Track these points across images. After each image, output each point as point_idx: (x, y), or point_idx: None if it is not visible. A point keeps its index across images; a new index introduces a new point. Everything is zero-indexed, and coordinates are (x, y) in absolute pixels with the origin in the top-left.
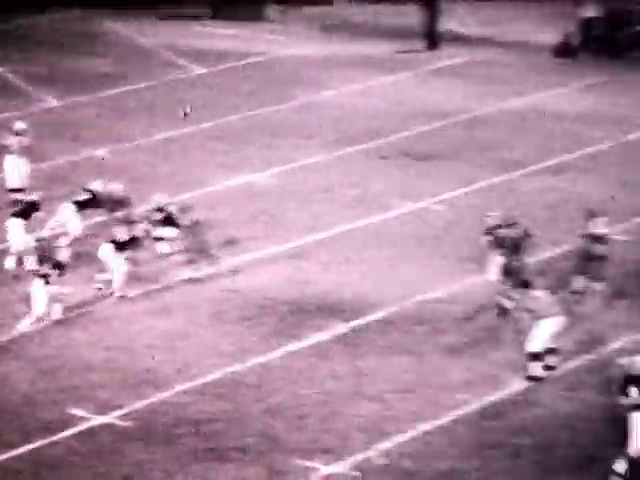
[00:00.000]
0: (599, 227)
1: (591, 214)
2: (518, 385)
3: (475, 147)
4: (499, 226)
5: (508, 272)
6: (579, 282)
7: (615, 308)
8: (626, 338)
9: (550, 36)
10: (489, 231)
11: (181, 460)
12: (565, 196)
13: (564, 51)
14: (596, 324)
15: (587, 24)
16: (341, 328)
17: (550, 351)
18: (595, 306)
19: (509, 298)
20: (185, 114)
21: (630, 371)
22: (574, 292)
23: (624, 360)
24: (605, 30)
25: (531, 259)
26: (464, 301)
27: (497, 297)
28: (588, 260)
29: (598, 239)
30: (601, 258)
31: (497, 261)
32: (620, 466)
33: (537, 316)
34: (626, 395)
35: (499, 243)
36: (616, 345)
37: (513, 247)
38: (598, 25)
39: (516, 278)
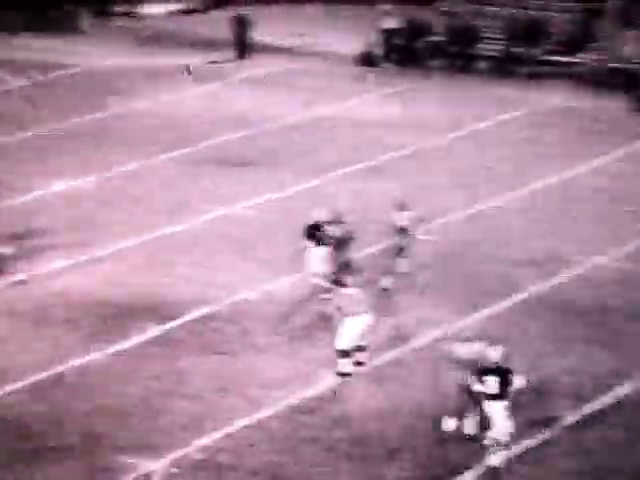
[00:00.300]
0: (404, 220)
1: (401, 206)
2: (330, 381)
3: (286, 153)
4: (327, 223)
5: (333, 268)
6: (388, 280)
7: (421, 305)
8: (437, 331)
9: (354, 46)
10: (315, 228)
11: (0, 460)
12: (372, 198)
13: (367, 61)
14: (403, 319)
15: (388, 35)
16: (160, 329)
17: (359, 348)
18: (402, 302)
19: (326, 295)
20: (189, 72)
21: (485, 362)
22: (384, 289)
23: (452, 346)
24: (405, 40)
25: (351, 257)
26: (278, 301)
27: (316, 295)
28: (395, 253)
29: (403, 231)
30: (404, 249)
31: (319, 258)
32: (495, 459)
33: (346, 314)
34: (482, 384)
35: (324, 240)
36: (423, 340)
37: (338, 244)
38: (398, 36)
39: (336, 275)
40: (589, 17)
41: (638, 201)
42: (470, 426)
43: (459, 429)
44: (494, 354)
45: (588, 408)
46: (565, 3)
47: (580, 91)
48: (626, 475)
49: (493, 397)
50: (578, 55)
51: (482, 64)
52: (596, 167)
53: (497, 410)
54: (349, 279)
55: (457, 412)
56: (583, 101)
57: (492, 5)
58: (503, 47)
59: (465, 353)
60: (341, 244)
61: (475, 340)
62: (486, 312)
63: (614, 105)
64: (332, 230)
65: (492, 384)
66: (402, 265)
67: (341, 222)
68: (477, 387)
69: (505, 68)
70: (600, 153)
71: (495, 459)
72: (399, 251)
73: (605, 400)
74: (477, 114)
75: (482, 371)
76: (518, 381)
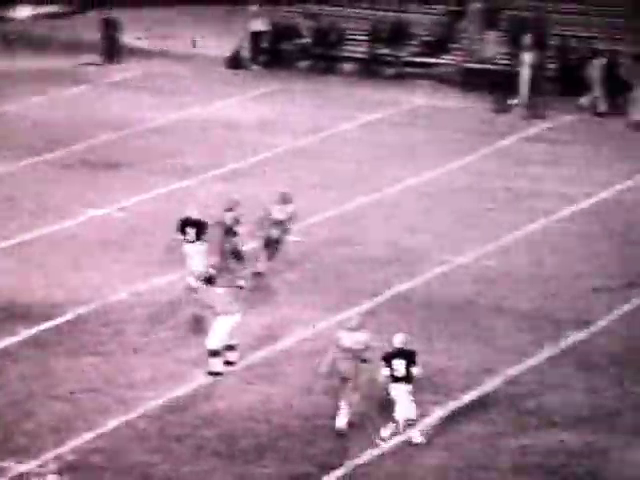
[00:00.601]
0: (284, 213)
1: (283, 199)
2: (201, 380)
3: (155, 155)
4: (228, 209)
5: (222, 257)
6: (248, 278)
7: (291, 304)
8: (306, 331)
9: (224, 49)
10: (189, 224)
11: None
12: (241, 199)
13: (236, 63)
14: (273, 319)
15: (256, 37)
16: (30, 331)
17: (229, 347)
18: (272, 301)
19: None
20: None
21: (394, 345)
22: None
23: (338, 335)
24: (272, 42)
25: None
26: (148, 302)
27: (190, 295)
28: (267, 246)
29: (280, 224)
30: (277, 242)
31: (194, 255)
32: (386, 432)
33: (217, 313)
34: (390, 368)
35: (202, 235)
36: (292, 339)
37: (227, 232)
38: (266, 38)
39: (222, 265)
40: (452, 19)
41: (500, 199)
42: (344, 418)
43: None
44: (398, 339)
45: (456, 403)
46: (429, 5)
47: (444, 92)
48: (493, 470)
49: (399, 380)
50: (442, 56)
51: (348, 66)
52: (461, 166)
53: (402, 392)
54: (218, 278)
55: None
56: (447, 102)
57: (357, 7)
58: (368, 49)
59: (352, 342)
60: (229, 232)
61: (361, 330)
62: (355, 310)
63: (478, 105)
64: (227, 217)
65: (399, 367)
66: (263, 263)
67: (232, 210)
68: (385, 372)
69: (370, 69)
70: (465, 152)
71: (415, 436)
72: (275, 244)
73: (473, 395)
74: (344, 115)
75: (389, 356)
76: (416, 370)
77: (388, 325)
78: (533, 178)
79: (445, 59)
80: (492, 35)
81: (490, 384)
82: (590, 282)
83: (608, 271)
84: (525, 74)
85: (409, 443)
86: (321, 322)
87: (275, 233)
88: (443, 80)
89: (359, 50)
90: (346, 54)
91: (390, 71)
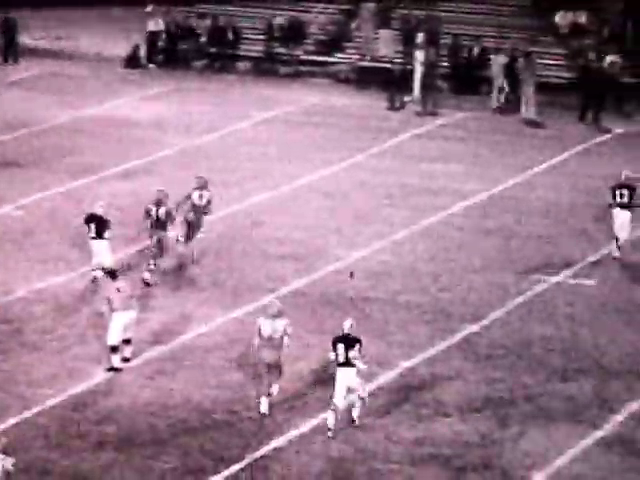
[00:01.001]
0: (202, 199)
1: (200, 186)
2: (100, 377)
3: (53, 154)
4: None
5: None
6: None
7: (189, 299)
8: (204, 327)
9: (120, 49)
10: (93, 220)
11: None
12: (137, 197)
13: (133, 63)
14: (172, 314)
15: (153, 37)
16: None
17: (126, 342)
18: (171, 297)
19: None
20: None
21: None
22: (147, 282)
23: (258, 322)
24: (169, 42)
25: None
26: (47, 299)
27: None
28: (187, 229)
29: (196, 209)
30: (194, 225)
31: (99, 251)
32: (330, 420)
33: (115, 308)
34: (335, 353)
35: (104, 232)
36: (190, 334)
37: (156, 224)
38: (163, 38)
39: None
40: (346, 18)
41: (395, 195)
42: (265, 405)
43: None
44: (345, 325)
45: (352, 396)
46: (323, 4)
47: (339, 90)
48: (389, 461)
49: (342, 364)
50: (337, 55)
51: (244, 65)
52: (356, 163)
53: (343, 377)
54: (118, 274)
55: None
56: (342, 100)
57: (252, 7)
58: (264, 48)
59: (271, 330)
60: (158, 225)
61: (281, 317)
62: (253, 306)
63: (372, 103)
64: (156, 211)
65: (342, 352)
66: (182, 246)
67: (161, 203)
68: (330, 356)
69: (266, 68)
70: (360, 150)
71: (330, 421)
72: (192, 227)
73: (370, 387)
74: (240, 114)
75: (335, 340)
76: (353, 354)
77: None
78: (427, 174)
79: (340, 58)
80: (385, 34)
81: (385, 377)
82: (483, 276)
83: (500, 265)
84: (418, 72)
85: (352, 422)
86: (219, 318)
87: (191, 216)
88: (338, 78)
89: (255, 49)
90: (242, 53)
91: (286, 70)
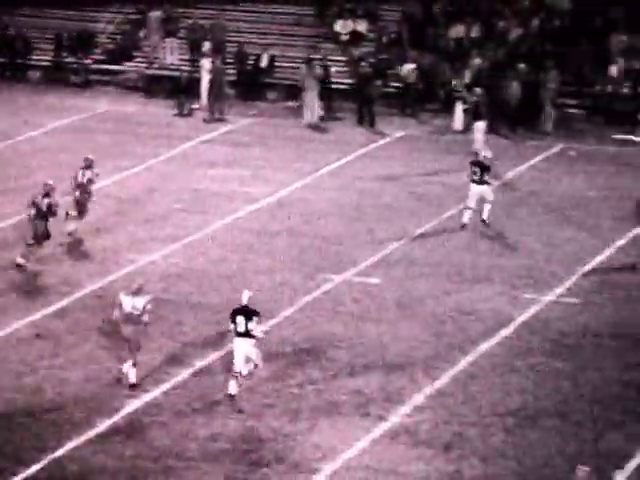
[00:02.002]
0: (85, 177)
1: (87, 164)
2: None
3: None
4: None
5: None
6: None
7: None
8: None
9: None
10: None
11: None
12: None
13: None
14: None
15: None
16: None
17: None
18: None
19: None
20: None
21: (241, 303)
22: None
23: (120, 298)
24: None
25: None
26: None
27: None
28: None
29: (80, 186)
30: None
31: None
32: (232, 387)
33: None
34: (235, 324)
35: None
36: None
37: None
38: None
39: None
40: (135, 27)
41: (187, 199)
42: (132, 375)
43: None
44: (244, 296)
45: (148, 396)
46: (112, 13)
47: (129, 98)
48: (184, 459)
49: (241, 334)
50: (125, 64)
51: (34, 73)
52: (147, 168)
53: (241, 346)
54: None
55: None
56: (132, 107)
57: (42, 17)
58: (53, 57)
59: (131, 307)
60: (41, 216)
61: (141, 294)
62: (51, 309)
63: (161, 110)
64: (42, 202)
65: (241, 323)
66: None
67: (48, 196)
68: (230, 326)
69: (57, 77)
70: (150, 155)
71: (232, 388)
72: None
73: (163, 388)
74: (32, 122)
75: (234, 312)
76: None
77: (80, 323)
78: (216, 179)
79: (129, 66)
80: (172, 42)
81: (180, 376)
82: (272, 276)
83: (289, 265)
84: (205, 79)
85: (228, 395)
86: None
87: (78, 195)
88: (127, 86)
89: (45, 58)
90: (32, 62)
91: (76, 78)
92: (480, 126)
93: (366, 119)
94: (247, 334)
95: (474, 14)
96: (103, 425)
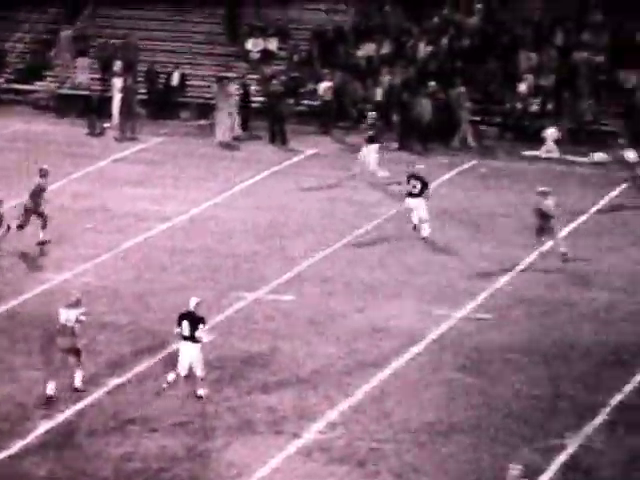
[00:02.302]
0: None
1: (42, 173)
2: None
3: None
4: None
5: None
6: None
7: None
8: None
9: None
10: None
11: None
12: None
13: None
14: None
15: None
16: None
17: None
18: None
19: None
20: None
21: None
22: None
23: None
24: None
25: None
26: None
27: None
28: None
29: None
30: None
31: None
32: (171, 376)
33: None
34: (180, 328)
35: None
36: None
37: None
38: None
39: None
40: (45, 46)
41: (99, 218)
42: (51, 388)
43: None
44: (191, 302)
45: (63, 416)
46: (20, 33)
47: (41, 117)
48: (97, 478)
49: (186, 338)
50: (37, 83)
51: None
52: (59, 187)
53: (189, 350)
54: None
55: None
56: (44, 126)
57: None
58: None
59: (65, 319)
60: None
61: (77, 307)
62: None
63: (73, 129)
64: None
65: (186, 327)
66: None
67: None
68: (176, 330)
69: None
70: (62, 174)
71: (201, 392)
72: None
73: (78, 406)
74: None
75: (180, 316)
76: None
77: None
78: (128, 198)
79: (40, 85)
80: (83, 61)
81: (93, 396)
82: (185, 295)
83: (202, 283)
84: (116, 98)
85: (195, 395)
86: None
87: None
88: (39, 106)
89: None
90: None
91: None
92: (372, 148)
93: (278, 137)
94: (192, 338)
95: (384, 32)
96: (16, 446)
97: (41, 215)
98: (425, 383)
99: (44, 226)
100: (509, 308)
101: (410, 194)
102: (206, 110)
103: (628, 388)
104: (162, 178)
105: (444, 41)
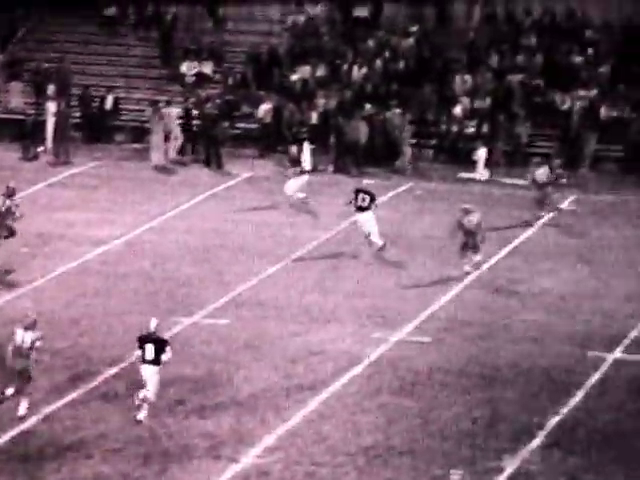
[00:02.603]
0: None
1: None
2: None
3: None
4: None
5: None
6: None
7: None
8: None
9: None
10: None
11: None
12: None
13: None
14: None
15: None
16: None
17: None
18: None
19: None
20: None
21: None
22: None
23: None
24: None
25: None
26: None
27: None
28: None
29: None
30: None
31: None
32: (147, 393)
33: None
34: (143, 351)
35: None
36: None
37: None
38: None
39: None
40: None
41: (33, 242)
42: (23, 407)
43: None
44: (152, 324)
45: None
46: None
47: None
48: None
49: (148, 362)
50: None
51: None
52: None
53: (150, 373)
54: None
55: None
56: None
57: None
58: None
59: (21, 340)
60: None
61: (33, 330)
62: None
63: (6, 154)
64: None
65: (149, 351)
66: None
67: None
68: (137, 352)
69: None
70: None
71: (142, 415)
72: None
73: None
74: None
75: (141, 339)
76: (167, 354)
77: None
78: (62, 222)
79: None
80: (16, 85)
81: (28, 422)
82: (121, 320)
83: (138, 308)
84: (50, 123)
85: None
86: None
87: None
88: None
89: None
90: None
91: None
92: (302, 177)
93: (214, 160)
94: (155, 361)
95: (319, 55)
96: None
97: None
98: (363, 406)
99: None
100: (446, 330)
101: (360, 208)
102: (141, 133)
103: (565, 410)
104: (97, 202)
105: (379, 64)
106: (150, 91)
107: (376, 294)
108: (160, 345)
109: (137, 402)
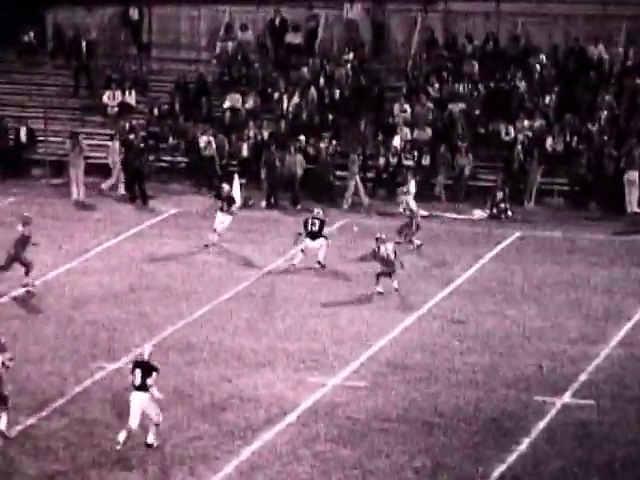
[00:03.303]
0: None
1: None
2: None
3: None
4: None
5: None
6: None
7: None
8: None
9: None
10: None
11: None
12: None
13: None
14: None
15: None
16: None
17: None
18: None
19: None
20: None
21: (137, 358)
22: None
23: None
24: None
25: None
26: None
27: None
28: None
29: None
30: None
31: None
32: (122, 435)
33: None
34: (134, 377)
35: None
36: None
37: None
38: None
39: None
40: None
41: None
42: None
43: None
44: (145, 350)
45: None
46: None
47: None
48: None
49: (137, 388)
50: None
51: None
52: None
53: (140, 400)
54: None
55: None
56: None
57: None
58: None
59: None
60: None
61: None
62: None
63: None
64: None
65: (138, 376)
66: None
67: None
68: (130, 377)
69: None
70: None
71: (151, 438)
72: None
73: None
74: None
75: (134, 364)
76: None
77: None
78: None
79: None
80: None
81: None
82: (40, 366)
83: (58, 354)
84: None
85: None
86: None
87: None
88: None
89: None
90: None
91: None
92: (227, 218)
93: (138, 196)
94: (143, 387)
95: (249, 84)
96: None
97: (24, 263)
98: (297, 456)
99: (27, 273)
100: (385, 375)
101: (310, 233)
102: (60, 167)
103: (511, 458)
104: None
105: (312, 93)
106: (70, 122)
107: (311, 337)
108: (149, 371)
109: (118, 444)
